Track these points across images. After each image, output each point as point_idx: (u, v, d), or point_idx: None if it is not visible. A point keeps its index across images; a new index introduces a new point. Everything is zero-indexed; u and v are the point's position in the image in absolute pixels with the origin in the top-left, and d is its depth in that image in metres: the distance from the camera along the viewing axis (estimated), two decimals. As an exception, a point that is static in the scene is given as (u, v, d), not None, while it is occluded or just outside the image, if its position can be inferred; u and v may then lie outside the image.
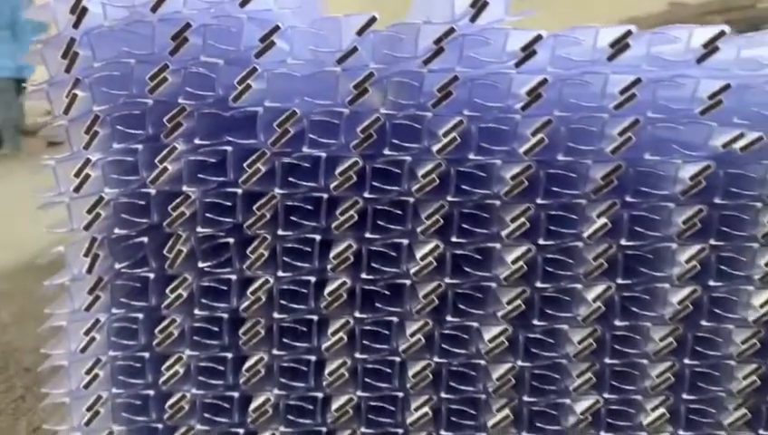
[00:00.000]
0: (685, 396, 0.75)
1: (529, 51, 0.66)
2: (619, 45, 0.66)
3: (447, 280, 0.72)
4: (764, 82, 0.67)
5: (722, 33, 0.66)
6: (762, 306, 0.72)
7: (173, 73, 0.67)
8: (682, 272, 0.71)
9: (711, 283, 0.72)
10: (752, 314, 0.72)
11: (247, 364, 0.75)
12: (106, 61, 0.67)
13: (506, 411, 0.75)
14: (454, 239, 0.71)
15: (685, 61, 0.67)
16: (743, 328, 0.73)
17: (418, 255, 0.71)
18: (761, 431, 0.76)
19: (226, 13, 0.67)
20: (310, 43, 0.68)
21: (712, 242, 0.71)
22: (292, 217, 0.71)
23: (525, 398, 0.75)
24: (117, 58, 0.67)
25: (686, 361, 0.74)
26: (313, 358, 0.74)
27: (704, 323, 0.73)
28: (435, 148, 0.68)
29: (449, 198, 0.70)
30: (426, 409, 0.75)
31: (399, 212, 0.71)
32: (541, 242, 0.71)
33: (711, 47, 0.66)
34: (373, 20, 0.66)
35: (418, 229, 0.70)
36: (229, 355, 0.74)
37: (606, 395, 0.75)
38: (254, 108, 0.68)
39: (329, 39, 0.68)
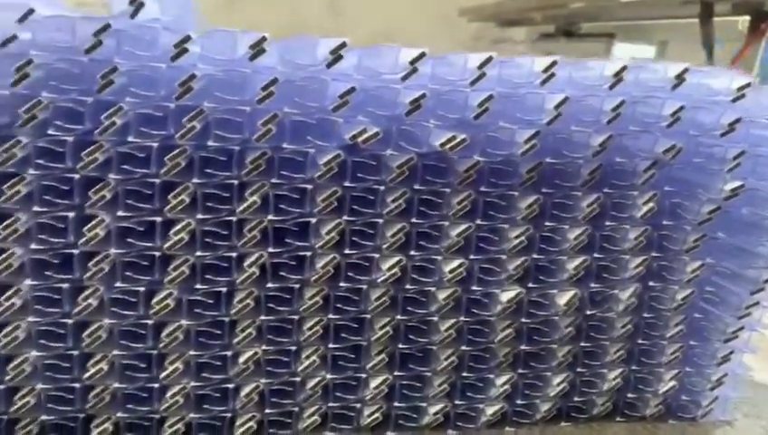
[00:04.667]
0: (332, 345, 0.90)
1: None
2: (258, 49, 0.78)
3: (114, 250, 0.80)
4: (380, 86, 0.82)
5: (343, 45, 0.80)
6: (389, 269, 0.88)
7: None
8: (323, 242, 0.85)
9: (347, 251, 0.86)
10: (381, 276, 0.88)
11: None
12: None
13: (177, 364, 0.86)
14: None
15: (316, 65, 0.80)
16: (375, 287, 0.89)
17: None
18: (396, 372, 0.93)
19: None
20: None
21: (346, 217, 0.85)
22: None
23: (193, 352, 0.86)
24: None
25: (331, 316, 0.89)
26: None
27: (343, 284, 0.88)
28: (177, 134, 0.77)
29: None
30: (103, 365, 0.84)
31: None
32: (200, 216, 0.82)
33: (336, 55, 0.80)
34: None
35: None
36: None
37: (264, 347, 0.88)
38: None
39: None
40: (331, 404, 0.92)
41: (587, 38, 2.90)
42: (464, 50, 0.86)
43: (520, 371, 0.97)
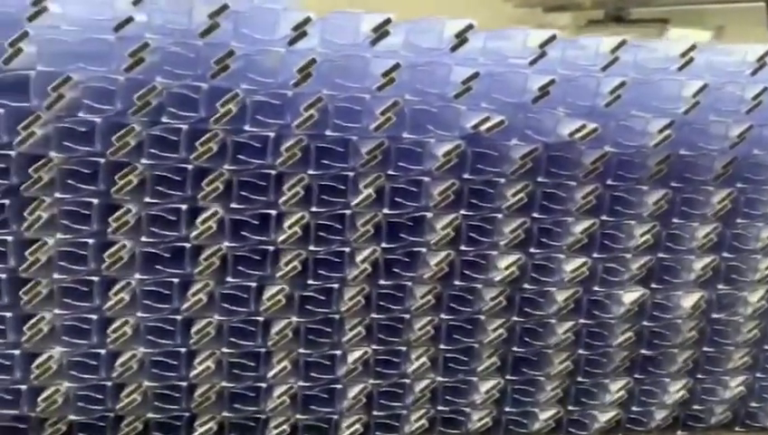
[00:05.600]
0: (443, 347, 0.86)
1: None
2: (381, 32, 0.73)
3: (227, 244, 0.77)
4: (506, 71, 0.77)
5: (470, 27, 0.74)
6: (506, 268, 0.83)
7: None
8: (438, 238, 0.80)
9: (462, 247, 0.82)
10: (498, 275, 0.83)
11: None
12: None
13: (285, 363, 0.82)
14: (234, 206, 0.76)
15: (439, 49, 0.75)
16: (490, 287, 0.84)
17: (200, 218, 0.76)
18: (508, 376, 0.88)
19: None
20: (84, 9, 0.70)
21: (463, 212, 0.80)
22: (70, 181, 0.73)
23: (301, 350, 0.82)
24: None
25: (443, 316, 0.84)
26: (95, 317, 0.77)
27: (457, 282, 0.83)
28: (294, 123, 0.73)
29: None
30: (209, 362, 0.81)
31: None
32: (314, 209, 0.78)
33: (462, 38, 0.75)
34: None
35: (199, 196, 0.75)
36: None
37: (374, 347, 0.84)
38: (27, 71, 0.69)
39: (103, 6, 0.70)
40: (439, 408, 0.88)
41: (638, 24, 2.78)
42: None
43: (637, 376, 0.91)
